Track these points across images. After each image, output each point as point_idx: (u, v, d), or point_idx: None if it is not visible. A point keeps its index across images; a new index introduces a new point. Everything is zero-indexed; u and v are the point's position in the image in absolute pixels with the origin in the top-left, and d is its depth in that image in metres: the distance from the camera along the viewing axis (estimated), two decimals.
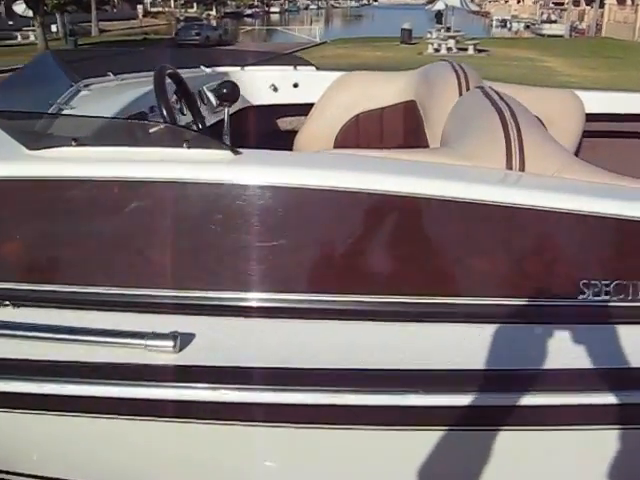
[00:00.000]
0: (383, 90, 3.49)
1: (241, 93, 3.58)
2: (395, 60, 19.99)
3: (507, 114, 1.81)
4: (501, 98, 2.12)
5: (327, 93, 3.56)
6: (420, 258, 1.70)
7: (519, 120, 1.78)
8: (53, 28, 34.61)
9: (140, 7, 43.89)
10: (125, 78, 2.94)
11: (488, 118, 1.86)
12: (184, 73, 3.22)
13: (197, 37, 32.05)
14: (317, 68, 3.76)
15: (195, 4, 66.02)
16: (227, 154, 1.73)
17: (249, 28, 45.45)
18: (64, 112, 2.25)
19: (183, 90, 2.39)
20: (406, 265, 1.71)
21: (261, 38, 41.25)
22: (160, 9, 62.97)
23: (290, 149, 3.55)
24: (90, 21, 40.08)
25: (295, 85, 3.66)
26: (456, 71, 2.78)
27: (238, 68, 3.68)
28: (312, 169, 1.71)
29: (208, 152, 1.74)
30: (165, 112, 2.16)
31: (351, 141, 3.48)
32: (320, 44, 31.13)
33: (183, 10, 63.63)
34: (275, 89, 3.66)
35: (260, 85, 3.65)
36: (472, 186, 1.63)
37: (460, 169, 1.75)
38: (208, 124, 3.10)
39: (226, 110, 2.76)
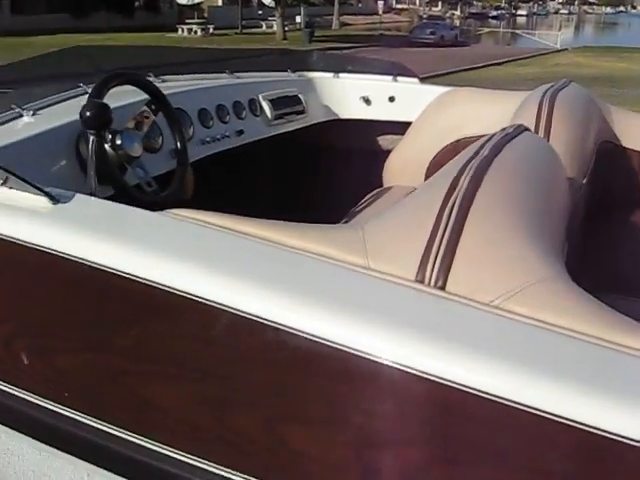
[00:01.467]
0: (493, 112, 2.77)
1: (327, 104, 3.07)
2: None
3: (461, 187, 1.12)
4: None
5: (427, 111, 2.93)
6: None
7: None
8: (298, 19, 36.03)
9: (381, 3, 44.13)
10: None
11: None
12: (245, 77, 2.77)
13: (431, 36, 31.58)
14: (420, 80, 3.11)
15: (440, 3, 65.50)
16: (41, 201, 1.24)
17: (487, 30, 43.97)
18: None
19: (158, 102, 1.92)
20: None
21: (505, 41, 39.73)
22: (404, 6, 63.24)
23: (380, 173, 2.97)
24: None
25: (391, 99, 3.06)
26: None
27: (330, 75, 3.15)
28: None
29: (23, 196, 1.25)
30: None
31: None
32: (559, 51, 29.28)
33: (427, 8, 63.37)
34: (367, 101, 3.09)
35: (351, 96, 3.09)
36: None
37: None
38: (256, 138, 2.62)
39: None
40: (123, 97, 1.97)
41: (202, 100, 2.37)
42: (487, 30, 43.81)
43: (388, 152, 3.02)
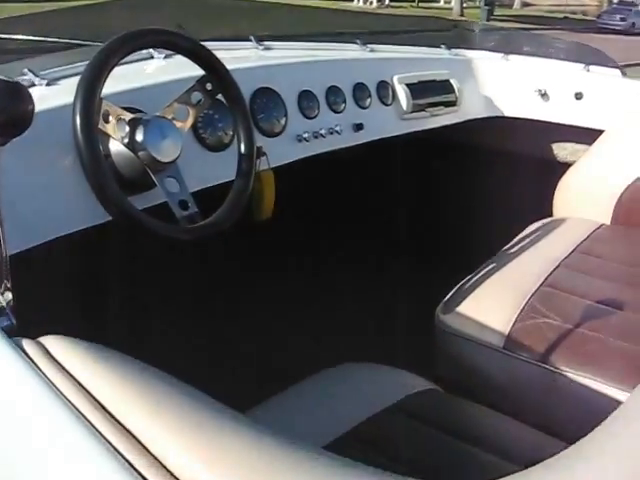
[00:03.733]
0: None
1: (488, 95, 2.30)
2: None
3: None
4: None
5: (629, 119, 2.09)
6: None
7: None
8: None
9: None
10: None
11: None
12: (379, 51, 2.06)
13: (621, 23, 29.16)
14: (624, 73, 2.25)
15: None
16: None
17: None
18: None
19: (216, 78, 1.24)
20: None
21: None
22: None
23: (551, 194, 2.18)
24: None
25: (578, 95, 2.23)
26: None
27: (499, 55, 2.37)
28: None
29: None
30: None
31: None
32: None
33: None
34: (544, 96, 2.28)
35: (523, 86, 2.30)
36: None
37: None
38: (382, 135, 1.90)
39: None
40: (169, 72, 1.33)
41: (307, 79, 1.69)
42: None
43: (566, 167, 2.22)
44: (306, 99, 1.66)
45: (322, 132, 1.67)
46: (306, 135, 1.62)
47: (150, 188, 1.20)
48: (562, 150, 2.35)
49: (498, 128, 2.34)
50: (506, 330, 1.50)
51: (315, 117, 1.67)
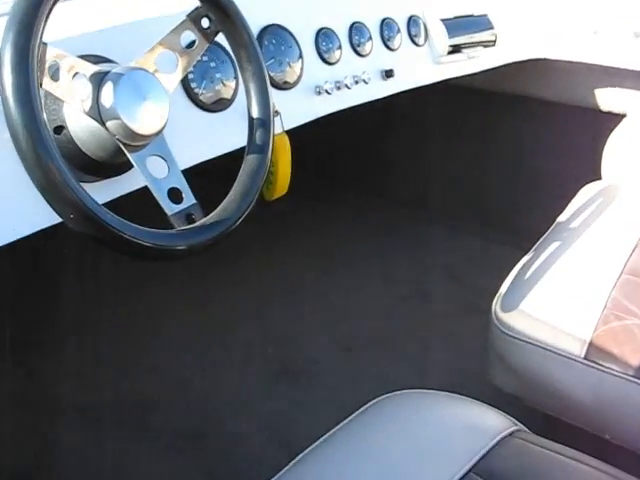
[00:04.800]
0: None
1: (532, 34, 1.93)
2: None
3: None
4: None
5: None
6: None
7: None
8: None
9: None
10: None
11: None
12: None
13: None
14: None
15: None
16: None
17: None
18: None
19: (216, 12, 0.87)
20: None
21: None
22: None
23: (601, 144, 1.85)
24: None
25: (638, 34, 1.86)
26: None
27: None
28: None
29: None
30: None
31: None
32: None
33: None
34: (597, 34, 1.91)
35: (573, 23, 1.93)
36: None
37: None
38: (417, 84, 1.55)
39: None
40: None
41: (325, 13, 1.32)
42: None
43: (619, 119, 1.87)
44: (325, 39, 1.29)
45: (346, 82, 1.31)
46: (327, 86, 1.26)
47: (123, 172, 0.86)
48: (614, 99, 1.99)
49: (541, 72, 1.98)
50: (587, 335, 1.18)
51: (336, 63, 1.31)
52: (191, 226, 0.80)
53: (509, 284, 1.36)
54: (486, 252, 2.29)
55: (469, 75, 1.74)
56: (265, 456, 1.53)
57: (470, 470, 0.86)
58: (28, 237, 0.80)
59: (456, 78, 1.70)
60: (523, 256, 1.48)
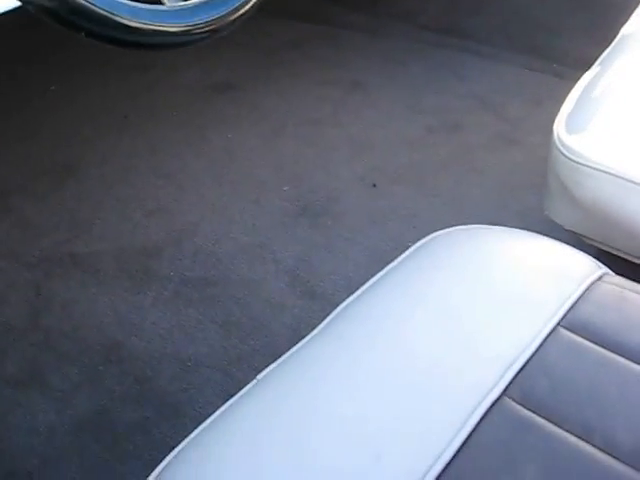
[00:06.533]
0: None
1: None
2: None
3: None
4: None
5: None
6: None
7: None
8: None
9: None
10: None
11: None
12: None
13: None
14: None
15: None
16: None
17: None
18: None
19: None
20: None
21: None
22: None
23: None
24: None
25: None
26: None
27: None
28: None
29: None
30: None
31: None
32: None
33: None
34: None
35: None
36: None
37: None
38: None
39: None
40: None
41: None
42: None
43: None
44: None
45: None
46: None
47: None
48: None
49: None
50: None
51: None
52: (187, 5, 0.57)
53: (574, 103, 1.14)
54: (521, 81, 2.04)
55: None
56: (286, 304, 1.36)
57: (558, 323, 0.68)
58: None
59: None
60: (583, 74, 1.24)
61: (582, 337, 0.67)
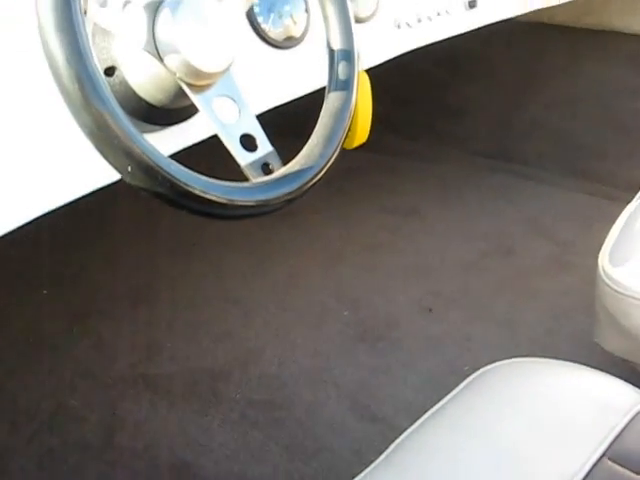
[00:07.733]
0: None
1: None
2: None
3: None
4: None
5: None
6: None
7: None
8: None
9: None
10: None
11: None
12: None
13: None
14: None
15: None
16: None
17: None
18: None
19: None
20: None
21: None
22: None
23: None
24: None
25: None
26: None
27: None
28: None
29: None
30: None
31: None
32: None
33: None
34: None
35: None
36: None
37: None
38: (507, 15, 1.39)
39: None
40: None
41: None
42: None
43: None
44: None
45: (428, 14, 1.16)
46: (407, 18, 1.12)
47: (187, 118, 0.74)
48: None
49: (628, 2, 1.78)
50: None
51: None
52: (269, 177, 0.68)
53: (617, 235, 1.21)
54: (571, 203, 2.12)
55: (552, 6, 1.57)
56: (347, 427, 1.42)
57: (604, 454, 0.73)
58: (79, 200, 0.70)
59: (538, 11, 1.53)
60: (625, 205, 1.31)
61: (626, 468, 0.71)
